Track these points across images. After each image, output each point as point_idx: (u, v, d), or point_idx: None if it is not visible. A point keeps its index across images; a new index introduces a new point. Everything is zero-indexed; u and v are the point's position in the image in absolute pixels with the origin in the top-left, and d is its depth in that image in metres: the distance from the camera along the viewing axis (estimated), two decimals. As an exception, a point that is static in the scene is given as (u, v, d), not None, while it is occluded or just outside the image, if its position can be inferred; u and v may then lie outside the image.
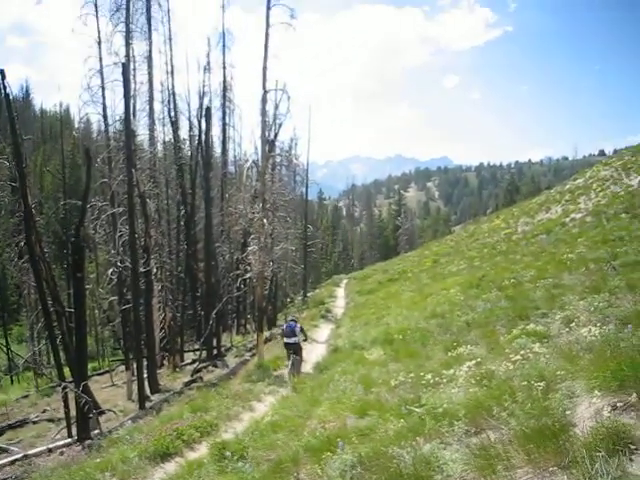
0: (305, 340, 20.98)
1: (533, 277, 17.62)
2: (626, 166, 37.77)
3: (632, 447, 4.52)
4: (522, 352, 8.44)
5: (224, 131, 40.13)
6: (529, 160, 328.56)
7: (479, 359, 9.53)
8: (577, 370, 6.64)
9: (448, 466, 5.59)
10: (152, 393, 25.39)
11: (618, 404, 5.25)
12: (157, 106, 32.74)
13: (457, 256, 41.69)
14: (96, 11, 29.60)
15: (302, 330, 20.53)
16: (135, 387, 25.15)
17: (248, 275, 26.98)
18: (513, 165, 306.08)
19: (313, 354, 23.27)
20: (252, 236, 26.48)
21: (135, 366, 25.53)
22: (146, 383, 24.90)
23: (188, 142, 40.13)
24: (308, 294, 52.97)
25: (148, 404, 22.83)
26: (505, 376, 7.75)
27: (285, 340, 20.37)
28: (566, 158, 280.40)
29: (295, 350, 19.99)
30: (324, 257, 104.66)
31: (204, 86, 37.48)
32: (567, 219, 32.71)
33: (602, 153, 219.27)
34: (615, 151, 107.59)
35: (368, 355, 16.66)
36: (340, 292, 50.58)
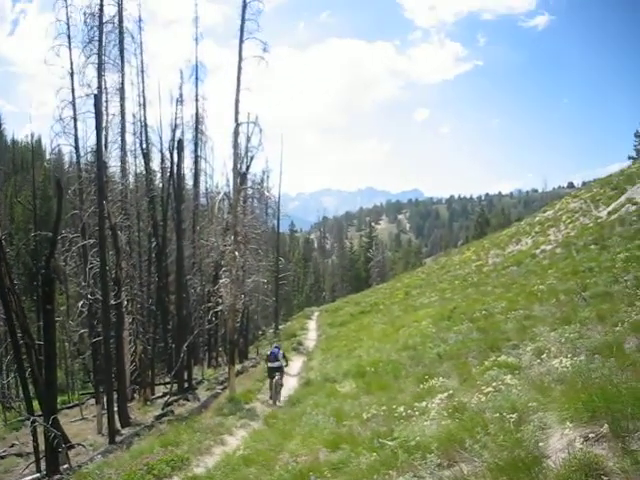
0: (286, 365, 23.49)
1: (504, 308, 17.74)
2: (595, 198, 38.21)
3: (604, 478, 4.52)
4: (494, 384, 8.42)
5: (196, 163, 40.35)
6: (499, 192, 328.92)
7: (451, 391, 9.51)
8: (549, 401, 6.64)
9: (421, 499, 5.55)
10: (122, 427, 24.90)
11: (590, 435, 5.25)
12: (129, 138, 32.39)
13: (429, 288, 42.01)
14: (69, 42, 29.50)
15: (284, 356, 23.02)
16: (105, 421, 24.63)
17: (219, 308, 26.71)
18: (483, 197, 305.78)
19: (285, 387, 23.13)
20: (224, 269, 26.41)
21: (105, 399, 25.21)
22: (116, 417, 24.40)
23: (160, 174, 40.01)
24: (280, 327, 52.87)
25: (118, 438, 22.36)
26: (477, 408, 7.73)
27: (269, 365, 22.25)
28: (536, 190, 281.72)
29: (278, 374, 21.82)
30: (296, 289, 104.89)
31: (176, 118, 37.57)
32: (537, 251, 33.06)
33: (571, 185, 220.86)
34: (584, 183, 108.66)
35: (340, 388, 16.75)
36: (312, 324, 50.29)
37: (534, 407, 6.70)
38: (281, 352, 22.54)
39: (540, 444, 5.60)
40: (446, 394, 9.28)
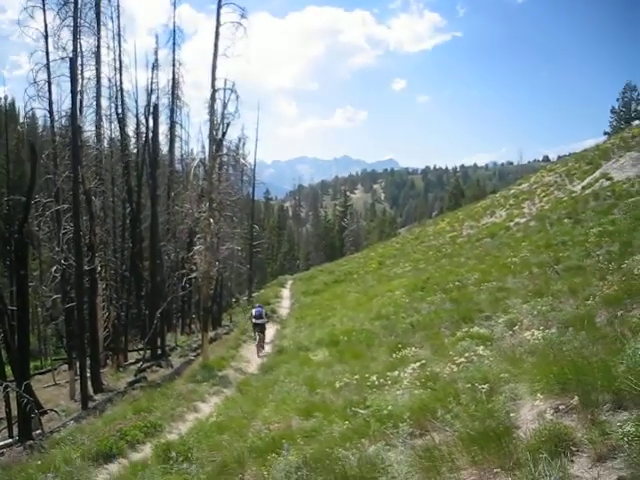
0: (267, 322, 27.26)
1: (477, 280, 17.88)
2: (570, 172, 38.53)
3: (573, 449, 4.58)
4: (466, 355, 8.48)
5: (172, 129, 40.21)
6: (474, 164, 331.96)
7: (424, 361, 9.55)
8: (520, 373, 6.74)
9: (393, 468, 5.58)
10: (95, 393, 24.77)
11: (560, 407, 5.32)
12: (104, 102, 31.95)
13: (402, 258, 42.32)
14: (43, 4, 28.84)
15: (266, 314, 27.60)
16: (78, 387, 24.61)
17: (193, 275, 26.92)
18: (459, 169, 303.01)
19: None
20: (198, 235, 26.42)
21: (78, 365, 25.20)
22: (89, 383, 24.34)
23: (135, 139, 39.29)
24: (254, 294, 52.53)
25: (91, 404, 22.25)
26: (449, 378, 7.81)
27: (254, 321, 26.04)
28: (511, 163, 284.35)
29: (262, 329, 25.83)
30: (270, 257, 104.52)
31: (152, 83, 37.50)
32: (511, 223, 33.48)
33: (546, 159, 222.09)
34: (559, 157, 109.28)
35: (313, 356, 16.84)
36: (286, 293, 50.25)
37: (506, 378, 6.79)
38: (264, 311, 26.99)
39: (511, 415, 5.68)
40: (419, 364, 9.33)
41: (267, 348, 25.77)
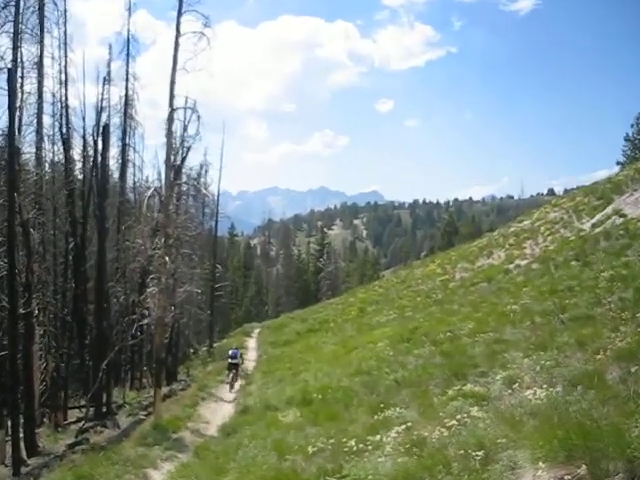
0: (242, 363, 33.47)
1: (472, 330, 17.90)
2: (577, 208, 38.73)
3: (581, 527, 4.54)
4: (458, 416, 8.45)
5: (123, 152, 39.65)
6: (470, 198, 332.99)
7: (410, 423, 9.52)
8: (520, 438, 6.66)
9: None
10: (29, 457, 24.17)
11: (566, 477, 5.26)
12: (47, 120, 31.55)
13: (387, 305, 42.33)
14: (-22, 6, 28.66)
15: (241, 355, 33.53)
16: (9, 449, 24.02)
17: (146, 321, 26.18)
18: (452, 203, 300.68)
19: (219, 414, 23.19)
20: (151, 276, 26.05)
21: (10, 424, 24.56)
22: (22, 444, 23.92)
23: (81, 164, 38.64)
24: (215, 344, 52.80)
25: (24, 470, 21.92)
26: (439, 444, 7.75)
27: (230, 360, 31.96)
28: (511, 197, 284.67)
29: (235, 367, 31.73)
30: (234, 302, 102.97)
31: (103, 100, 37.10)
32: (511, 266, 33.60)
33: (551, 192, 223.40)
34: (566, 191, 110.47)
35: (283, 417, 16.62)
36: (252, 343, 50.40)
37: (503, 444, 6.72)
38: (239, 352, 33.31)
39: (509, 486, 5.62)
40: (404, 427, 9.30)
41: (228, 408, 26.20)
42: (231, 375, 31.61)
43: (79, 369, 38.48)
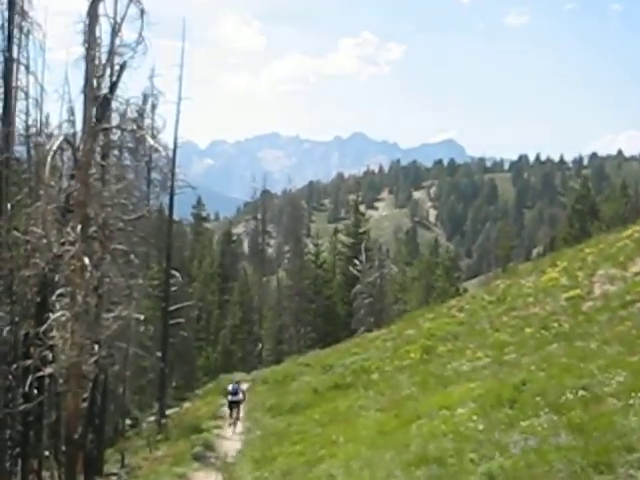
0: (244, 400, 32.11)
1: (623, 387, 12.84)
2: None
3: None
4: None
5: (7, 75, 27.47)
6: (619, 152, 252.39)
7: None
8: None
9: None
10: None
11: None
12: None
13: (472, 341, 30.21)
14: None
15: (243, 392, 32.69)
16: None
17: (49, 370, 18.98)
18: (586, 161, 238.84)
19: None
20: (59, 291, 19.29)
21: None
22: None
23: None
24: (168, 411, 38.67)
25: None
26: None
27: (230, 398, 30.92)
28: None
29: (237, 406, 30.97)
30: (203, 337, 70.52)
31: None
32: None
33: None
34: None
35: None
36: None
37: None
38: (241, 389, 32.60)
39: None
40: None
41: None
42: (234, 415, 31.31)
43: None
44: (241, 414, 31.87)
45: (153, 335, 42.31)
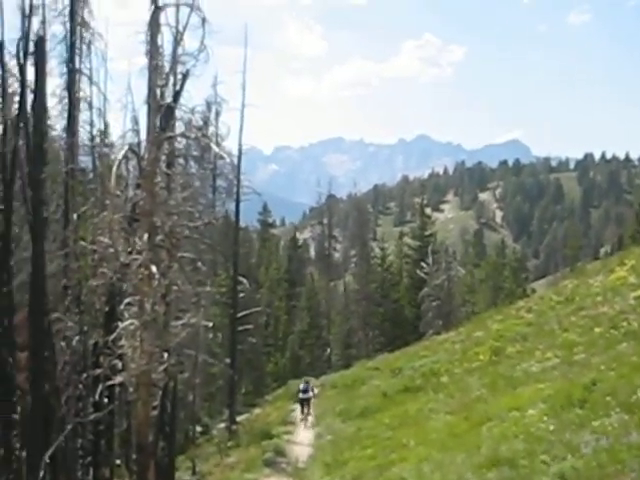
0: (315, 396, 35.75)
1: None
2: None
3: None
4: None
5: (71, 85, 27.57)
6: None
7: None
8: None
9: None
10: None
11: None
12: None
13: (541, 342, 30.04)
14: None
15: (313, 389, 36.15)
16: None
17: (119, 379, 19.03)
18: None
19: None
20: (127, 300, 18.91)
21: None
22: None
23: None
24: (239, 418, 39.76)
25: None
26: None
27: (301, 396, 34.37)
28: None
29: (308, 402, 34.41)
30: (272, 343, 71.88)
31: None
32: None
33: None
34: None
35: None
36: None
37: None
38: (312, 386, 36.03)
39: None
40: None
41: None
42: (306, 410, 34.08)
43: (2, 464, 26.55)
44: (311, 411, 34.50)
45: (222, 342, 45.23)
